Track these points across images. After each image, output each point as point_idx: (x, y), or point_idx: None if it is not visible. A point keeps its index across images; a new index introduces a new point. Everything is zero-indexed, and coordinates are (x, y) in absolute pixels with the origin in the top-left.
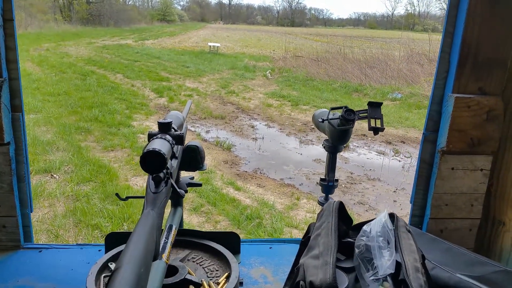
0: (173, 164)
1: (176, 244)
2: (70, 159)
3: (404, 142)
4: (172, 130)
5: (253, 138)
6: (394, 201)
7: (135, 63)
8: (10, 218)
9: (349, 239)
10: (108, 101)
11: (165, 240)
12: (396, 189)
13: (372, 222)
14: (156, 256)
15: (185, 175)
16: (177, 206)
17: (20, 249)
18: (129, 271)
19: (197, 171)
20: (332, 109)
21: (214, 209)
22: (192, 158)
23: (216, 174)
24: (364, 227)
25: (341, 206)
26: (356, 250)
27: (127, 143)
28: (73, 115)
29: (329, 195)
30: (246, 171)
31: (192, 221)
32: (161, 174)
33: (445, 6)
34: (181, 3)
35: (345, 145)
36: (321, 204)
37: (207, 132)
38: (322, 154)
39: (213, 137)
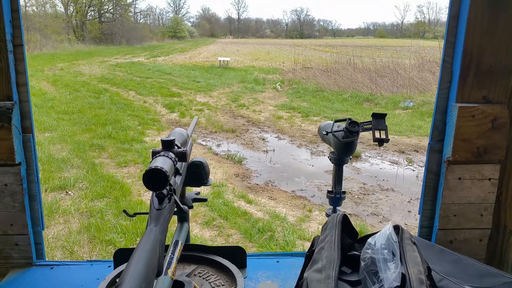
0: (176, 180)
1: (183, 259)
2: (85, 176)
3: (417, 151)
4: (176, 147)
5: (264, 151)
6: (409, 211)
7: (147, 80)
8: (22, 236)
9: (355, 252)
10: (121, 118)
11: (170, 255)
12: (411, 199)
13: (376, 234)
14: (159, 272)
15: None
16: (183, 221)
17: (32, 266)
18: (131, 287)
19: (204, 186)
20: (336, 121)
21: (226, 222)
22: (197, 174)
23: (227, 188)
24: (369, 240)
25: (345, 219)
26: (362, 263)
27: (140, 159)
28: (87, 133)
29: (337, 207)
30: (258, 184)
31: (204, 235)
32: (164, 191)
33: None
34: (191, 19)
35: (351, 157)
36: (329, 216)
37: (218, 145)
38: None
39: (224, 151)
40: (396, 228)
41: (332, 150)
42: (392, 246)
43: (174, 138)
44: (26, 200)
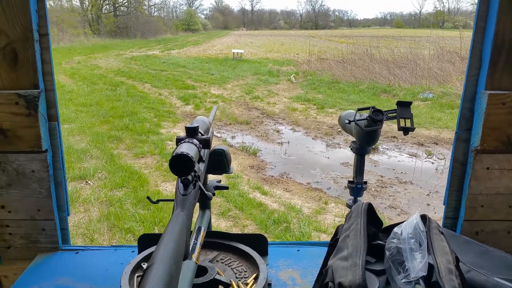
0: (200, 167)
1: (205, 246)
2: (103, 166)
3: (437, 144)
4: (199, 134)
5: (279, 143)
6: (428, 204)
7: (162, 72)
8: (49, 222)
9: (379, 242)
10: (137, 110)
11: (194, 241)
12: (430, 192)
13: (403, 224)
14: (186, 255)
15: (212, 178)
16: (205, 208)
17: (58, 250)
18: (161, 269)
19: (224, 174)
20: (359, 110)
21: (241, 213)
22: (219, 162)
23: (242, 179)
24: (395, 229)
25: (370, 208)
26: (387, 253)
27: (156, 150)
28: (105, 124)
29: (358, 198)
30: (273, 176)
31: (220, 225)
32: (189, 177)
33: (476, 1)
34: (205, 12)
35: (373, 147)
36: (349, 207)
37: (233, 137)
38: (350, 157)
39: (239, 143)
40: (423, 218)
41: (354, 139)
42: (419, 235)
43: (198, 125)
44: (52, 186)
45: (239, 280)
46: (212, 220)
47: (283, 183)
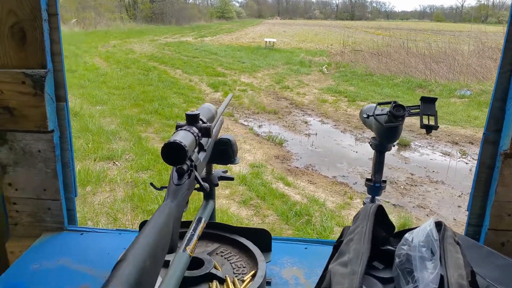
0: (200, 156)
1: (207, 237)
2: (131, 148)
3: (472, 143)
4: (200, 122)
5: (306, 134)
6: (459, 206)
7: (193, 59)
8: (54, 202)
9: (389, 247)
10: (167, 95)
11: (192, 232)
12: (462, 193)
13: (415, 230)
14: (173, 248)
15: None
16: (208, 199)
17: (63, 230)
18: (130, 267)
19: (247, 163)
20: (380, 104)
21: (263, 203)
22: (224, 151)
23: (266, 169)
24: (406, 235)
25: (380, 210)
26: (396, 260)
27: None
28: (136, 108)
29: (376, 197)
30: (297, 167)
31: (241, 213)
32: (185, 166)
33: None
34: (239, 0)
35: (395, 144)
36: None
37: (260, 126)
38: None
39: (266, 132)
40: (438, 225)
41: (374, 135)
42: (432, 244)
43: (199, 112)
44: (58, 166)
45: (237, 276)
46: (234, 208)
47: (307, 175)
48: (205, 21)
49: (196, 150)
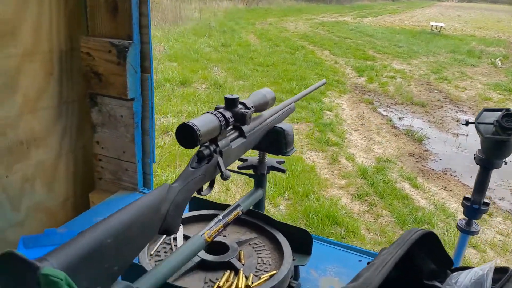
0: (233, 143)
1: (247, 225)
2: None
3: None
4: (240, 106)
5: (455, 134)
6: None
7: (345, 40)
8: (131, 164)
9: (436, 284)
10: (307, 76)
11: (221, 218)
12: None
13: (466, 271)
14: (168, 230)
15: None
16: (257, 187)
17: (136, 191)
18: (84, 240)
19: (376, 156)
20: (486, 110)
21: (380, 201)
22: (275, 141)
23: (395, 165)
24: (454, 274)
25: (428, 237)
26: None
27: (312, 118)
28: (273, 85)
29: (473, 220)
30: (433, 169)
31: (352, 207)
32: (206, 151)
33: None
34: None
35: (506, 160)
36: (458, 228)
37: (400, 118)
38: None
39: (405, 125)
40: (502, 271)
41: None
42: None
43: (238, 96)
44: (137, 133)
45: (257, 272)
46: (346, 200)
47: (443, 180)
48: (369, 0)
49: (230, 135)
